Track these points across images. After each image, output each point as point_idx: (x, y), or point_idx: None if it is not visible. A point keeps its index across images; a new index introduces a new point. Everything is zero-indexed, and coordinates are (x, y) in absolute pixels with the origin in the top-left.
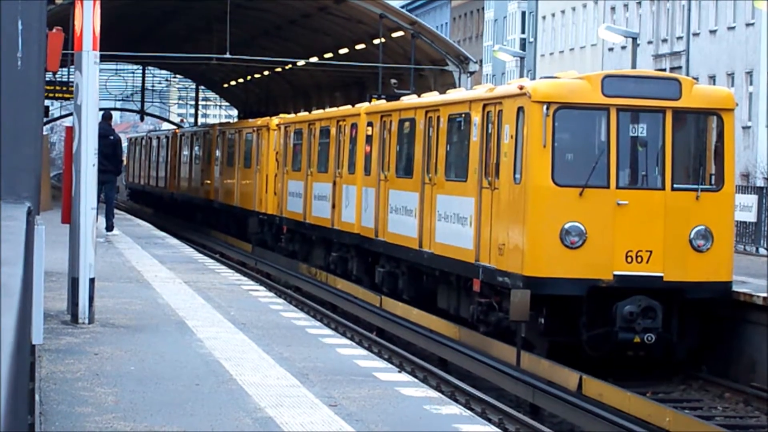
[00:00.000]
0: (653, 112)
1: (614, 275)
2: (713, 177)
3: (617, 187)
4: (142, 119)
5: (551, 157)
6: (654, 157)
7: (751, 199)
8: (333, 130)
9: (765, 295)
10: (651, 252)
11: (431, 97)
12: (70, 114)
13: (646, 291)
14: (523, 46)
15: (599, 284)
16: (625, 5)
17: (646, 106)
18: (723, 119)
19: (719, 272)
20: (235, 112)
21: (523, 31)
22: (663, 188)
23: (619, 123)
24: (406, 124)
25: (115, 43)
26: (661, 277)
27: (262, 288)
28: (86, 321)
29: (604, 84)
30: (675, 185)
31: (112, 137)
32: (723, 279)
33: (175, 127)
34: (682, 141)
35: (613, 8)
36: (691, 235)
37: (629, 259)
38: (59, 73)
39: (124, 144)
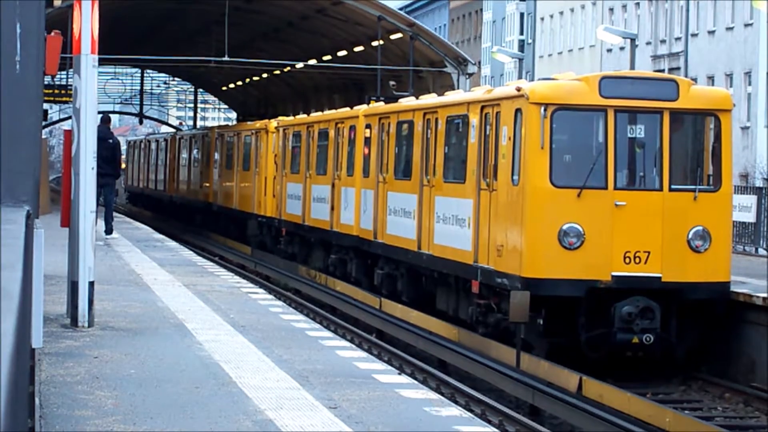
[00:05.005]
0: (651, 113)
1: (612, 276)
2: (711, 177)
3: (615, 188)
4: (140, 122)
5: (549, 159)
6: (652, 158)
7: (750, 200)
8: (331, 133)
9: (764, 295)
10: (649, 253)
11: (429, 99)
12: (69, 117)
13: (644, 292)
14: (521, 48)
15: (598, 285)
16: (624, 6)
17: (644, 107)
18: (720, 120)
19: (717, 273)
20: (233, 115)
21: (521, 33)
22: (661, 189)
23: (616, 124)
24: (405, 126)
25: (114, 46)
26: (660, 278)
27: (261, 290)
28: (86, 324)
29: (602, 85)
30: (673, 186)
31: (111, 140)
32: (721, 279)
33: (173, 129)
34: (680, 142)
35: (611, 9)
36: (689, 236)
37: (627, 260)
38: (58, 76)
39: (123, 147)
